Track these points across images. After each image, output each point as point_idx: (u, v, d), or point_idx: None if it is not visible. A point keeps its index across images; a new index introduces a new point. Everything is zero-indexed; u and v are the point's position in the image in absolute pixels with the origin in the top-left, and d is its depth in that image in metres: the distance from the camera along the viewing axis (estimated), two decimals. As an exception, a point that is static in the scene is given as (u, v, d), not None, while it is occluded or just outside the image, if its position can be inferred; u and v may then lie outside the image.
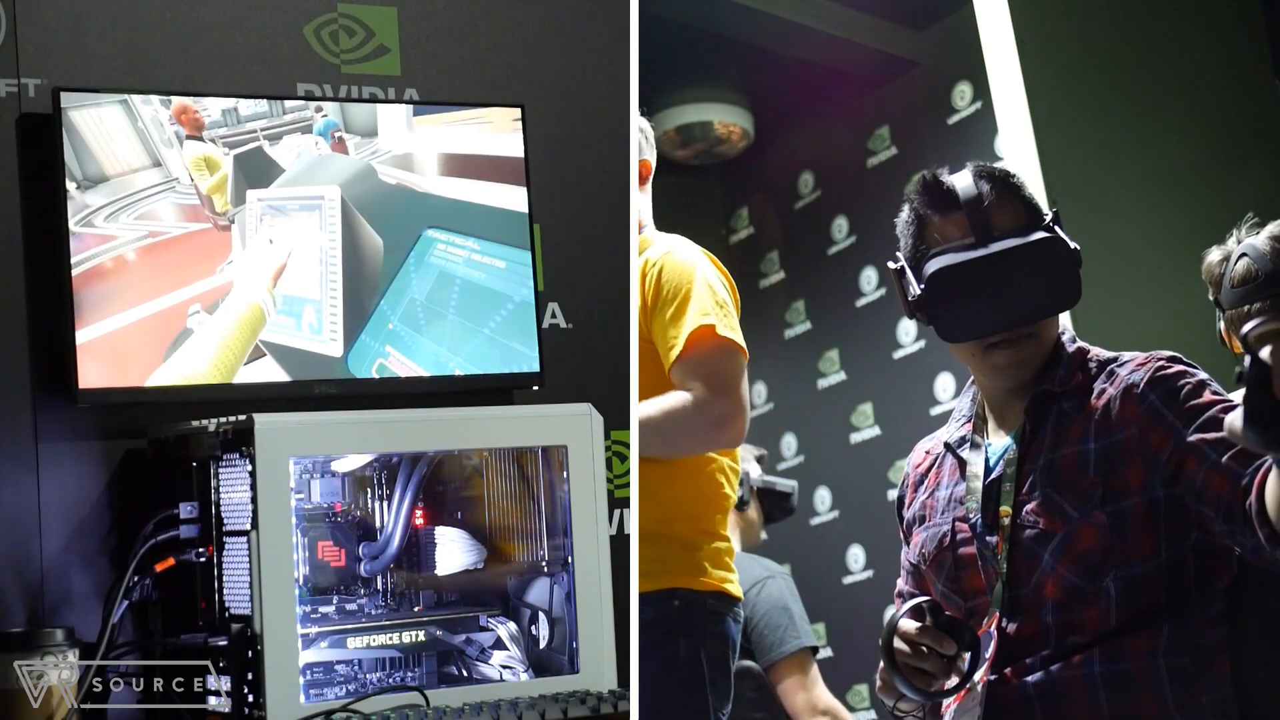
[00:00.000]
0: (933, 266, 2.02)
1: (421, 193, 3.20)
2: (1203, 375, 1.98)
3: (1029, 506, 2.00)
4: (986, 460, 2.09)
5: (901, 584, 2.24)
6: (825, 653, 4.77)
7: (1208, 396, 1.94)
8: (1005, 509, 2.02)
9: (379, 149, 3.17)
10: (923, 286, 2.03)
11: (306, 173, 3.12)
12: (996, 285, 1.99)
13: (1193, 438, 1.90)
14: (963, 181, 2.06)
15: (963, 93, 4.62)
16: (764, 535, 3.85)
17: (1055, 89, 3.37)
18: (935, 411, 4.74)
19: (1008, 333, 2.02)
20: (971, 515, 2.06)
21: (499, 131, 3.29)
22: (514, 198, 3.28)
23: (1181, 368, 1.99)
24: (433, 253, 3.19)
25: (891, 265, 2.12)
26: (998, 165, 2.10)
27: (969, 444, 2.12)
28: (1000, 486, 2.04)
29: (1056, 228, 2.05)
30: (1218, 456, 1.87)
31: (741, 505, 3.63)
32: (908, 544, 2.22)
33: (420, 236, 3.18)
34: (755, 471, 3.68)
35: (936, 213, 2.06)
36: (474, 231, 3.24)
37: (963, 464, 2.11)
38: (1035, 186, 3.22)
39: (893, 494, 4.98)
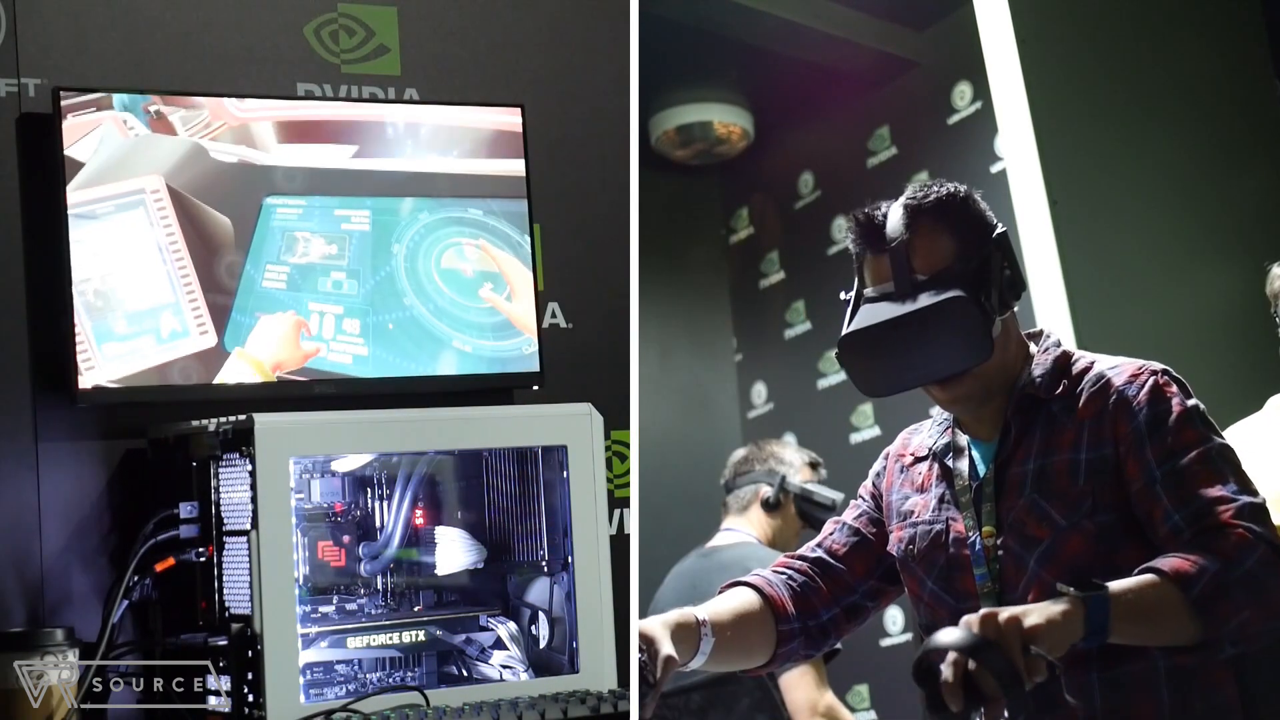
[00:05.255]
0: (851, 326, 2.03)
1: (262, 165, 3.06)
2: (1191, 402, 1.98)
3: (1017, 511, 2.00)
4: (972, 461, 2.09)
5: (848, 519, 2.23)
6: (825, 653, 4.76)
7: (1188, 434, 1.95)
8: (989, 511, 2.02)
9: (211, 121, 3.02)
10: (836, 350, 2.05)
11: (119, 162, 2.93)
12: (903, 347, 2.00)
13: (1162, 488, 1.92)
14: (892, 219, 2.03)
15: (963, 93, 4.61)
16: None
17: (1055, 89, 3.36)
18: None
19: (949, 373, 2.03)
20: (964, 517, 2.06)
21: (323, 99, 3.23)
22: (340, 155, 3.15)
23: (1174, 391, 1.99)
24: (274, 217, 3.07)
25: (842, 296, 2.12)
26: (935, 191, 2.05)
27: (953, 450, 2.12)
28: (985, 489, 2.05)
29: (993, 256, 2.01)
30: (1180, 519, 1.90)
31: (768, 506, 3.63)
32: (875, 503, 2.22)
33: (262, 206, 3.06)
34: (797, 478, 3.68)
35: (869, 251, 2.05)
36: (311, 190, 3.11)
37: (948, 471, 2.11)
38: (1035, 186, 3.23)
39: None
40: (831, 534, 2.24)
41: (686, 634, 1.93)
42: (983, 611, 1.72)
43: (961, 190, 2.07)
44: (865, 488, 2.26)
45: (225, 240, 3.02)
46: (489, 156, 3.29)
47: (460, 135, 3.26)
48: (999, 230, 2.06)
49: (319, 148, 3.14)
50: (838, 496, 3.72)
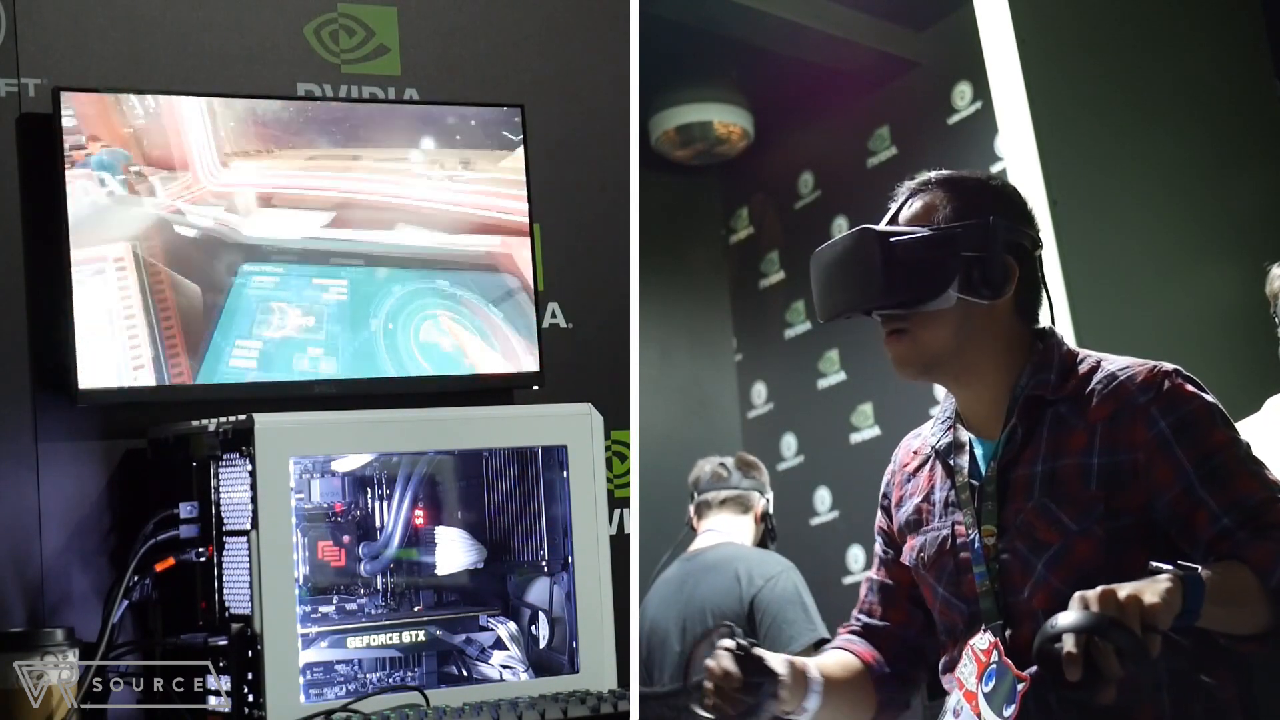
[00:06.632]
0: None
1: (237, 232, 3.00)
2: (1211, 400, 1.96)
3: (1025, 514, 1.99)
4: (974, 458, 2.08)
5: (874, 574, 2.25)
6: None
7: (1218, 435, 1.93)
8: (989, 511, 2.02)
9: (191, 185, 2.97)
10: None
11: (92, 222, 2.87)
12: (828, 274, 2.03)
13: (1204, 491, 1.91)
14: (918, 180, 2.10)
15: (963, 93, 4.61)
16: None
17: (1055, 89, 3.36)
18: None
19: (886, 326, 2.03)
20: (969, 519, 2.05)
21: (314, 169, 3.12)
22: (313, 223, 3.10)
23: (1194, 391, 1.96)
24: (250, 285, 3.02)
25: None
26: (949, 174, 2.09)
27: (955, 446, 2.12)
28: (987, 489, 2.04)
29: (994, 236, 2.00)
30: (1229, 522, 1.89)
31: (766, 517, 3.68)
32: (887, 539, 2.22)
33: (238, 273, 3.01)
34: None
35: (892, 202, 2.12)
36: (286, 259, 3.06)
37: (951, 470, 2.10)
38: (1035, 186, 3.23)
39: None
40: (865, 596, 2.26)
41: (798, 678, 2.00)
42: (1100, 589, 1.70)
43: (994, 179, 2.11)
44: (879, 525, 2.25)
45: (194, 311, 2.96)
46: (466, 232, 3.24)
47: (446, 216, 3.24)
48: (1009, 226, 2.03)
49: (296, 214, 3.07)
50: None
